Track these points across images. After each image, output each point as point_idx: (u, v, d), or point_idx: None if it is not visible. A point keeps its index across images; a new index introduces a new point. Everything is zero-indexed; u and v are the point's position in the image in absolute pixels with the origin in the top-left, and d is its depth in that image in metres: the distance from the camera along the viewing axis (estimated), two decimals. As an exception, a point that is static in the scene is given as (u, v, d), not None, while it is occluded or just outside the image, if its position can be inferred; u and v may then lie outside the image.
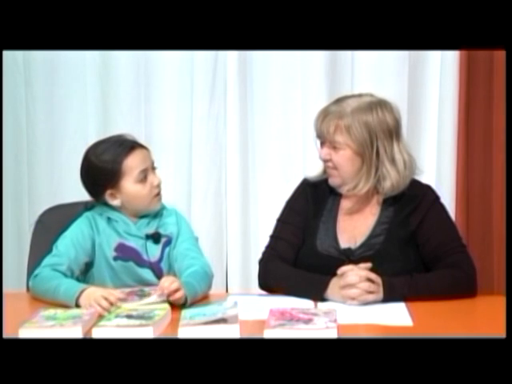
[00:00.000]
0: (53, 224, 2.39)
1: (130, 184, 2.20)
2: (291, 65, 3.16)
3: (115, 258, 2.23)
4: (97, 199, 2.25)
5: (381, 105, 2.19)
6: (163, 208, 2.31)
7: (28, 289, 2.25)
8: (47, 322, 1.81)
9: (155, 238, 2.26)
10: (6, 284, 2.32)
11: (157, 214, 2.29)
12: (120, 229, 2.24)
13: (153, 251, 2.25)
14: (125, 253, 2.23)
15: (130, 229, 2.25)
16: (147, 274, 2.22)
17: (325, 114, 2.20)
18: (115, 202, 2.22)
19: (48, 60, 3.20)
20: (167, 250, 2.27)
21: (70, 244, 2.21)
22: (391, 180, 2.19)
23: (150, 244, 2.26)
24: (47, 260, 2.19)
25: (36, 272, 2.17)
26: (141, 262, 2.23)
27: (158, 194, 2.25)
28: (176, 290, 2.00)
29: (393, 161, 2.19)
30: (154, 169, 2.25)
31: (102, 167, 2.19)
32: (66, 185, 3.24)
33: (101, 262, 2.23)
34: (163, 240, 2.27)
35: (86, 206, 2.30)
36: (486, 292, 2.23)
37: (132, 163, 2.19)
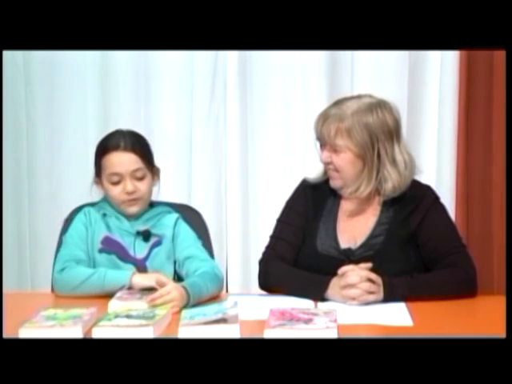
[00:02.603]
0: None
1: (104, 180, 2.26)
2: (291, 65, 3.16)
3: (100, 251, 2.25)
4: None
5: (380, 106, 2.19)
6: (168, 211, 2.33)
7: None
8: (47, 322, 1.81)
9: (145, 235, 2.28)
10: (6, 284, 2.32)
11: (156, 215, 2.30)
12: (111, 223, 2.28)
13: (140, 248, 2.27)
14: (109, 246, 2.26)
15: (122, 224, 2.27)
16: (130, 269, 2.21)
17: (325, 118, 2.19)
18: (102, 191, 2.29)
19: (48, 60, 3.19)
20: (155, 250, 2.28)
21: (76, 237, 2.25)
22: (393, 181, 2.18)
23: (138, 241, 2.27)
24: (64, 254, 2.23)
25: (61, 266, 2.19)
26: (124, 257, 2.25)
27: (131, 201, 2.24)
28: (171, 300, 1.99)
29: (394, 162, 2.19)
30: (137, 177, 2.23)
31: (95, 153, 2.30)
32: (66, 185, 3.24)
33: (90, 254, 2.25)
34: (153, 239, 2.29)
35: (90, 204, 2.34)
36: (486, 292, 2.23)
37: (106, 163, 2.24)
